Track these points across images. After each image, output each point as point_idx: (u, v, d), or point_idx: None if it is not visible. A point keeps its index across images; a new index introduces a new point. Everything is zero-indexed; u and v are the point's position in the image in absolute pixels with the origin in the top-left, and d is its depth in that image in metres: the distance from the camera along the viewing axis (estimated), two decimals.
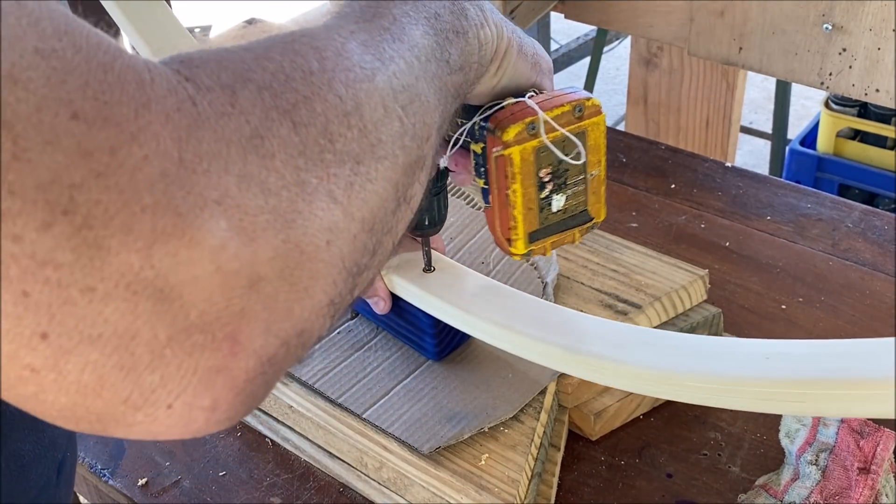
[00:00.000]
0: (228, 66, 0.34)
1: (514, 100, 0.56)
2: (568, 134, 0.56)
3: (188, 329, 0.30)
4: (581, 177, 0.59)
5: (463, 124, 0.58)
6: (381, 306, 0.74)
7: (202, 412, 0.33)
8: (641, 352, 0.55)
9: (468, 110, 0.57)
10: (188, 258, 0.30)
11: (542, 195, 0.58)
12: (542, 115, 0.55)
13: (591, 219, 0.62)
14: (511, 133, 0.55)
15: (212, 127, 0.31)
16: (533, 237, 0.59)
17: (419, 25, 0.45)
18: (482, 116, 0.56)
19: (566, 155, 0.56)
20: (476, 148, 0.57)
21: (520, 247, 0.59)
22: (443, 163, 0.61)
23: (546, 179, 0.57)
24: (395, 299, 0.71)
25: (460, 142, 0.58)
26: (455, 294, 0.66)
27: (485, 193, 0.59)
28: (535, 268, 0.82)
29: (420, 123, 0.42)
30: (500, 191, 0.57)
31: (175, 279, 0.30)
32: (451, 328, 0.72)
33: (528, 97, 0.56)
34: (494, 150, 0.55)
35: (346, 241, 0.36)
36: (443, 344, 0.74)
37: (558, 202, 0.59)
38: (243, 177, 0.32)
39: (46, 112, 0.27)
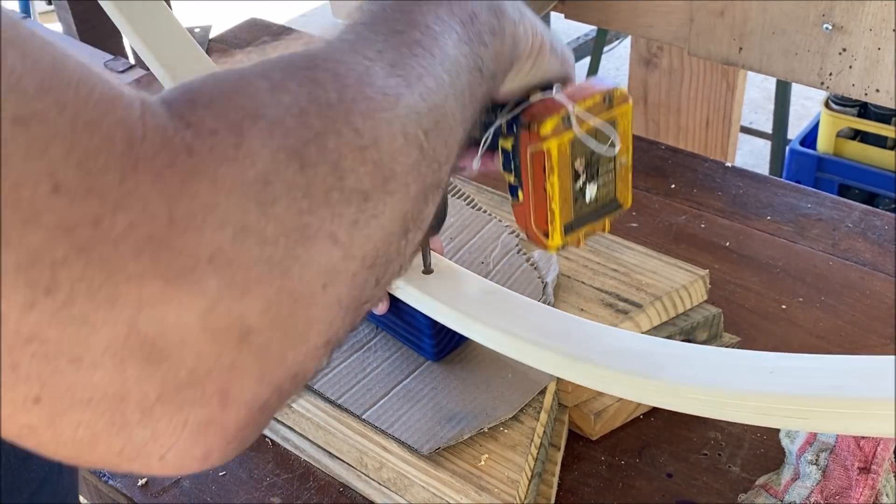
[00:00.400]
0: (239, 101, 0.32)
1: (541, 94, 0.56)
2: (602, 124, 0.56)
3: (178, 387, 0.30)
4: (611, 165, 0.59)
5: (488, 122, 0.57)
6: (380, 307, 0.74)
7: (195, 461, 0.33)
8: (643, 361, 0.55)
9: (492, 106, 0.56)
10: (176, 322, 0.29)
11: (577, 186, 0.58)
12: (573, 108, 0.55)
13: (621, 205, 0.62)
14: (548, 127, 0.54)
15: (210, 177, 0.30)
16: (568, 229, 0.59)
17: (453, 32, 0.42)
18: (512, 113, 0.56)
19: (599, 144, 0.56)
20: (506, 144, 0.57)
21: (556, 239, 0.59)
22: (475, 165, 0.60)
23: (580, 170, 0.57)
24: (394, 300, 0.71)
25: (488, 142, 0.58)
26: (455, 297, 0.66)
27: (513, 189, 0.58)
28: (535, 268, 0.82)
29: (442, 146, 0.39)
30: (535, 185, 0.57)
31: (163, 342, 0.29)
32: (450, 329, 0.72)
33: (556, 90, 0.56)
34: (531, 145, 0.55)
35: (345, 282, 0.34)
36: (441, 344, 0.74)
37: (591, 192, 0.59)
38: (240, 229, 0.30)
39: (25, 188, 0.26)
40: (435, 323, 0.70)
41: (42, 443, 0.30)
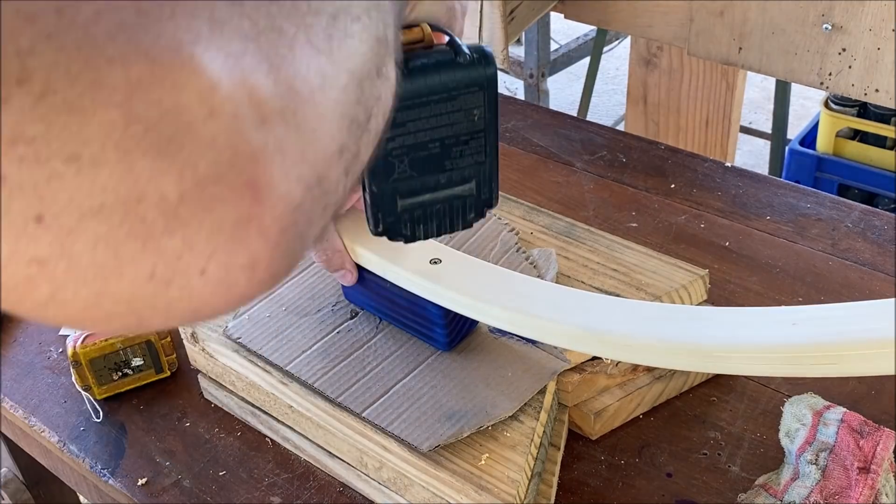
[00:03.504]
0: None
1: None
2: None
3: (200, 183, 0.28)
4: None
5: None
6: (347, 278, 0.74)
7: (242, 272, 0.30)
8: (667, 327, 0.55)
9: None
10: (175, 104, 0.27)
11: None
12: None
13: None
14: None
15: None
16: None
17: None
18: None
19: None
20: None
21: None
22: None
23: None
24: (402, 292, 0.71)
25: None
26: (466, 284, 0.66)
27: None
28: (534, 266, 0.82)
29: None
30: None
31: (169, 129, 0.27)
32: (461, 318, 0.73)
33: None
34: None
35: (338, 90, 0.34)
36: (453, 334, 0.74)
37: None
38: (214, 21, 0.28)
39: None
40: (447, 313, 0.70)
41: (57, 285, 0.27)
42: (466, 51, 0.54)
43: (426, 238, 0.61)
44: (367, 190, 0.57)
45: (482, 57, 0.54)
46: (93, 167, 0.26)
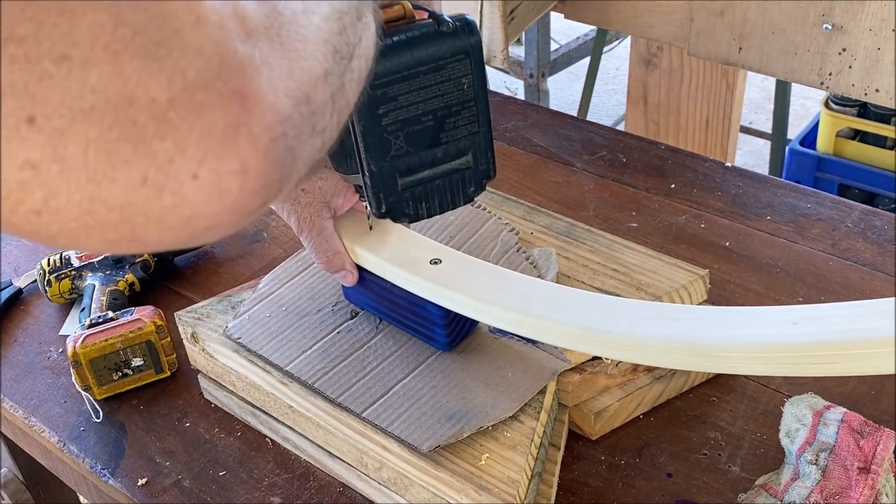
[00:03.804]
0: None
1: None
2: None
3: (188, 88, 0.29)
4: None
5: None
6: (348, 279, 0.74)
7: (233, 177, 0.31)
8: (668, 326, 0.55)
9: None
10: (162, 10, 0.28)
11: None
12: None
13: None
14: None
15: None
16: None
17: None
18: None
19: None
20: None
21: None
22: None
23: None
24: (403, 292, 0.71)
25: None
26: (467, 283, 0.66)
27: None
28: (534, 266, 0.82)
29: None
30: None
31: (157, 35, 0.28)
32: (461, 318, 0.73)
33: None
34: None
35: (321, 17, 0.36)
36: (453, 334, 0.74)
37: None
38: None
39: None
40: (448, 313, 0.70)
41: (50, 190, 0.28)
42: (449, 20, 0.55)
43: (430, 216, 0.61)
44: (367, 171, 0.58)
45: (465, 25, 0.55)
46: (83, 68, 0.27)
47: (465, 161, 0.59)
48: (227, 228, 0.33)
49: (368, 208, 0.63)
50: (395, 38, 0.53)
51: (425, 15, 0.56)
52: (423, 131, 0.57)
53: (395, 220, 0.60)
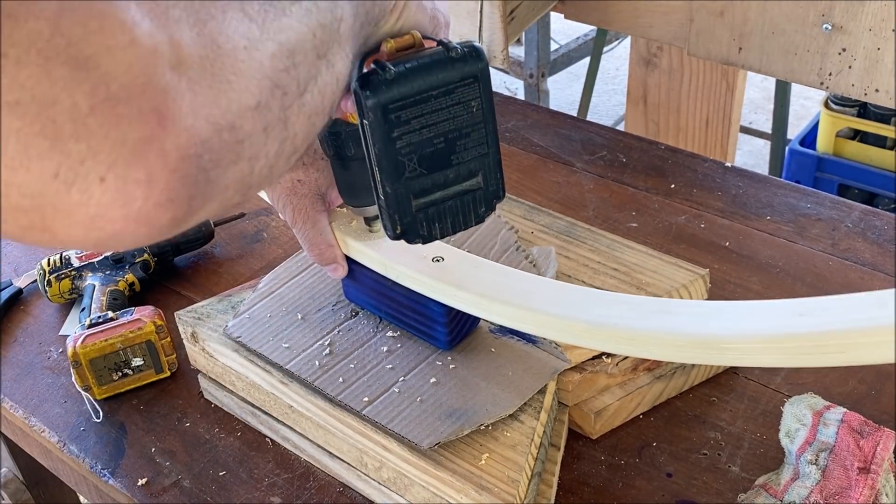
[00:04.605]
0: None
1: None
2: None
3: (110, 100, 0.31)
4: None
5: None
6: (338, 272, 0.75)
7: (138, 186, 0.33)
8: (671, 319, 0.56)
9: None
10: (99, 28, 0.31)
11: None
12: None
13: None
14: None
15: None
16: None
17: None
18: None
19: None
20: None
21: None
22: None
23: None
24: (404, 290, 0.71)
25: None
26: (470, 280, 0.66)
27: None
28: (534, 265, 0.82)
29: (329, 7, 0.45)
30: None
31: (89, 49, 0.31)
32: (462, 316, 0.73)
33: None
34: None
35: (266, 55, 0.39)
36: (454, 332, 0.74)
37: None
38: None
39: None
40: (449, 311, 0.71)
41: None
42: (457, 46, 0.57)
43: (442, 237, 0.63)
44: (383, 193, 0.59)
45: (472, 50, 0.57)
46: (16, 66, 0.30)
47: (475, 182, 0.61)
48: (136, 238, 0.35)
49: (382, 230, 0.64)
50: (406, 66, 0.56)
51: (434, 43, 0.58)
52: (436, 153, 0.59)
53: (409, 241, 0.62)
